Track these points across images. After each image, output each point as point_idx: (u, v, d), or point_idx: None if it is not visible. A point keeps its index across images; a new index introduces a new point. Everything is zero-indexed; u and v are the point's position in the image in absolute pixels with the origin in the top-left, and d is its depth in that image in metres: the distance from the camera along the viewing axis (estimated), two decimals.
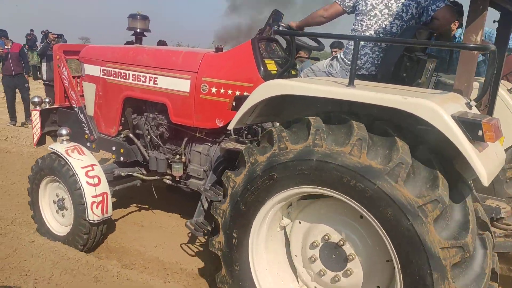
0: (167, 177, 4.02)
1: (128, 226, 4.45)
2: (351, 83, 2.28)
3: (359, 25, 3.19)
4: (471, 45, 2.26)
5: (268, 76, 3.29)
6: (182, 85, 3.63)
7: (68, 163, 3.65)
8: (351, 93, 2.19)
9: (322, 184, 2.31)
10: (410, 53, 2.85)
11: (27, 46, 19.38)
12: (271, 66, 3.43)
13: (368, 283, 2.44)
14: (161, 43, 9.44)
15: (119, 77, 4.04)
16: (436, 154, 2.17)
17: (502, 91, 3.19)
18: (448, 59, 3.68)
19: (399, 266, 2.13)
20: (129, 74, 3.97)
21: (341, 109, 2.53)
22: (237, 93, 3.35)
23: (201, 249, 4.03)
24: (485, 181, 1.93)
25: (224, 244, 2.74)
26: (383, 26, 3.14)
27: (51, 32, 12.93)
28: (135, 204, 4.94)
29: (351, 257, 2.45)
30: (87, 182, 3.61)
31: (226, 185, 2.70)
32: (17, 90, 9.70)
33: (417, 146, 2.16)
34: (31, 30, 20.36)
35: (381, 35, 3.13)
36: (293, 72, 3.57)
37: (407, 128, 2.24)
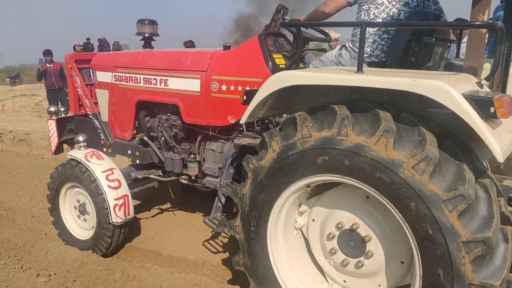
0: (183, 177, 4.07)
1: (149, 227, 4.51)
2: (359, 69, 2.29)
3: (366, 14, 3.19)
4: (478, 22, 2.24)
5: (277, 70, 3.30)
6: (192, 85, 3.67)
7: (89, 168, 3.72)
8: (360, 79, 2.20)
9: (344, 173, 2.28)
10: (417, 37, 2.84)
11: None
12: (280, 60, 3.45)
13: (392, 261, 2.43)
14: (189, 44, 9.40)
15: (131, 81, 4.11)
16: (461, 148, 2.15)
17: None
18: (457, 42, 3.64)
19: (420, 262, 2.12)
20: (140, 78, 4.03)
21: (351, 98, 2.54)
22: (247, 88, 3.37)
23: (224, 242, 4.08)
24: (500, 157, 1.92)
25: (242, 229, 2.76)
26: (391, 14, 3.13)
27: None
28: (154, 206, 5.01)
29: (367, 238, 2.46)
30: (108, 186, 3.67)
31: (247, 169, 2.68)
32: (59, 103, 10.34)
33: (443, 139, 2.14)
34: (88, 39, 20.47)
35: None
36: (301, 66, 3.58)
37: (432, 119, 2.23)
